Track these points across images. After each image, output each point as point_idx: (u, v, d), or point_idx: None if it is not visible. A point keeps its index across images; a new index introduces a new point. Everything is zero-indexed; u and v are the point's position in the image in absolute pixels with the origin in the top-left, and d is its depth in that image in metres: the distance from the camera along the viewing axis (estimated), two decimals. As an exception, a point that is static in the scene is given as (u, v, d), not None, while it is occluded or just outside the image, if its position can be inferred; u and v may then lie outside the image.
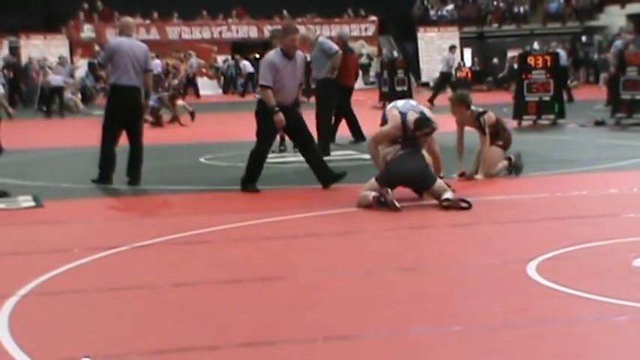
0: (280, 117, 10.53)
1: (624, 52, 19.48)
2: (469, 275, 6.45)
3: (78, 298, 6.05)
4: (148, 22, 42.54)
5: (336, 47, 14.91)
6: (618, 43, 25.62)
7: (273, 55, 10.92)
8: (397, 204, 8.88)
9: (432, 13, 49.06)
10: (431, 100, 27.49)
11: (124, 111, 11.55)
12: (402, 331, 5.12)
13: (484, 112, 11.28)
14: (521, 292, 5.88)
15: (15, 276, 6.63)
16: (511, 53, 38.04)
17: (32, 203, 10.20)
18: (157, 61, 35.53)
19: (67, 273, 6.72)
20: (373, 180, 9.32)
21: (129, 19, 12.46)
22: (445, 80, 30.10)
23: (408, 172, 9.27)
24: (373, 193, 9.08)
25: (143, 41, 12.93)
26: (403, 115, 9.59)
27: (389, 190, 9.03)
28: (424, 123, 9.52)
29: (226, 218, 8.88)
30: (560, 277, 6.13)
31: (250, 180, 10.74)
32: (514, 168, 11.40)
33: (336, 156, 14.12)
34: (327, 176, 10.83)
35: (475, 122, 11.22)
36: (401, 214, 8.79)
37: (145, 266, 7.05)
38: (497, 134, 11.34)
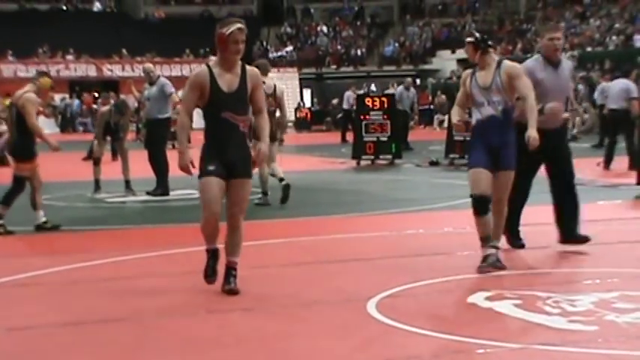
0: None
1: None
2: (311, 314, 6.51)
3: None
4: (-21, 59, 41.40)
5: (172, 89, 15.12)
6: None
7: (530, 61, 8.86)
8: None
9: (271, 54, 49.58)
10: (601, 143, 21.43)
11: None
12: (246, 371, 5.12)
13: None
14: (363, 329, 5.97)
15: None
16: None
17: None
18: None
19: None
20: None
21: None
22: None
23: None
24: None
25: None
26: None
27: None
28: None
29: (65, 259, 8.69)
30: (399, 315, 6.26)
31: None
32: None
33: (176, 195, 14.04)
34: None
35: None
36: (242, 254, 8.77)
37: (-21, 310, 6.80)
38: None
